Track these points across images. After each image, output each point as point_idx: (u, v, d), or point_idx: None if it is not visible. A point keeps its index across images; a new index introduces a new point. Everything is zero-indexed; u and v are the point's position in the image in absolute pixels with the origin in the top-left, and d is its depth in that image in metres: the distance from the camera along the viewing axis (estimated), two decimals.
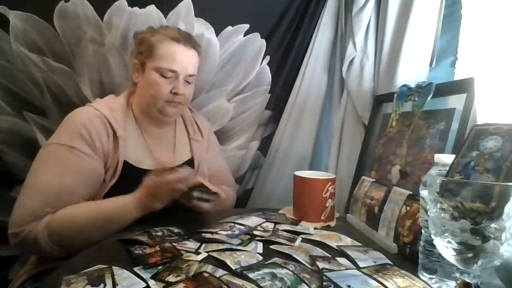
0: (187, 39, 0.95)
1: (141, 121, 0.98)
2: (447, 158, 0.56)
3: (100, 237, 0.79)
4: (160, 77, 0.92)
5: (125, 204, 0.82)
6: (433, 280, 0.60)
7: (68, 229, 0.78)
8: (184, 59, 0.93)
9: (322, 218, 0.93)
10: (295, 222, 0.92)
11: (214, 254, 0.67)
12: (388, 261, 0.68)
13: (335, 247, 0.75)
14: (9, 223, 0.78)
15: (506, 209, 0.41)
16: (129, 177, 0.88)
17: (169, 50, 0.92)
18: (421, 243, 0.62)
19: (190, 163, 1.04)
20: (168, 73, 0.92)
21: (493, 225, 0.42)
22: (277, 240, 0.77)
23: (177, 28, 0.99)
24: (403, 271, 0.62)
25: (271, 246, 0.73)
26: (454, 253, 0.46)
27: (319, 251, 0.72)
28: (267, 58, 1.39)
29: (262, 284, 0.55)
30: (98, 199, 0.86)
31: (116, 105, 0.94)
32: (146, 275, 0.59)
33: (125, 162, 0.89)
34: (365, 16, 1.19)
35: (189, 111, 1.14)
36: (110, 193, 0.86)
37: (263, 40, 1.37)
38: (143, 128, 0.98)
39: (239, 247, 0.72)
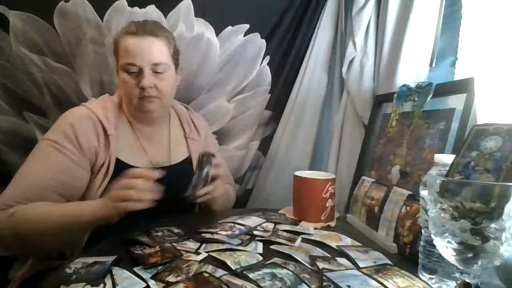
0: (142, 29, 0.89)
1: (131, 120, 0.97)
2: (447, 158, 0.56)
3: (60, 240, 0.78)
4: (126, 75, 0.89)
5: (85, 210, 0.78)
6: (433, 280, 0.60)
7: (32, 223, 0.75)
8: (141, 50, 0.88)
9: (322, 218, 0.93)
10: (295, 222, 0.92)
11: (214, 254, 0.67)
12: (388, 261, 0.68)
13: (335, 247, 0.75)
14: None
15: (506, 209, 0.41)
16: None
17: (125, 45, 0.89)
18: (421, 243, 0.62)
19: (187, 162, 1.03)
20: (130, 68, 0.88)
21: (493, 225, 0.42)
22: (277, 240, 0.77)
23: (138, 21, 0.94)
24: (403, 271, 0.62)
25: (271, 246, 0.73)
26: (454, 253, 0.46)
27: (319, 251, 0.72)
28: (267, 58, 1.39)
29: (262, 284, 0.55)
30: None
31: (109, 104, 0.94)
32: (146, 275, 0.59)
33: (120, 162, 0.90)
34: (365, 16, 1.19)
35: (185, 109, 1.13)
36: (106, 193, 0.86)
37: (263, 40, 1.37)
38: (135, 127, 0.97)
39: (239, 247, 0.72)
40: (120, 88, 0.94)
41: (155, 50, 0.90)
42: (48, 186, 0.81)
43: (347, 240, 0.80)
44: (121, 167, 0.89)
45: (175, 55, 0.97)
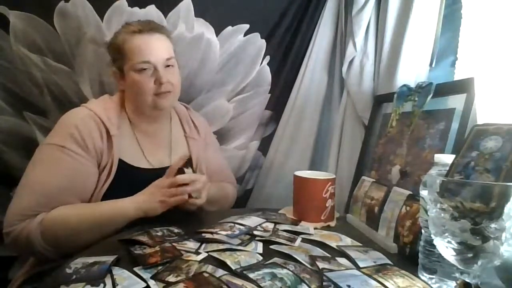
0: (147, 27, 0.91)
1: (134, 121, 0.97)
2: (447, 158, 0.56)
3: (93, 239, 0.79)
4: (139, 74, 0.89)
5: (124, 207, 0.83)
6: (433, 280, 0.60)
7: (61, 229, 0.78)
8: (152, 47, 0.90)
9: (322, 218, 0.93)
10: (295, 222, 0.92)
11: (214, 254, 0.67)
12: (388, 261, 0.68)
13: (335, 247, 0.75)
14: (3, 223, 0.79)
15: (506, 209, 0.41)
16: (126, 177, 0.89)
17: (134, 44, 0.89)
18: (421, 243, 0.62)
19: (188, 162, 1.03)
20: (143, 66, 0.89)
21: (493, 225, 0.42)
22: (277, 240, 0.77)
23: (136, 20, 0.95)
24: (403, 271, 0.62)
25: (271, 246, 0.73)
26: (454, 253, 0.46)
27: (319, 251, 0.72)
28: (267, 58, 1.39)
29: (262, 284, 0.55)
30: (96, 201, 0.86)
31: (110, 105, 0.94)
32: (146, 275, 0.59)
33: (121, 162, 0.90)
34: (365, 16, 1.19)
35: (185, 109, 1.13)
36: (108, 193, 0.86)
37: (263, 40, 1.36)
38: (136, 128, 0.97)
39: (239, 247, 0.72)
40: (129, 89, 0.93)
41: (164, 45, 0.92)
42: (65, 192, 0.82)
43: (347, 240, 0.80)
44: (123, 168, 0.89)
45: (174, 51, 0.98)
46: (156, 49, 0.90)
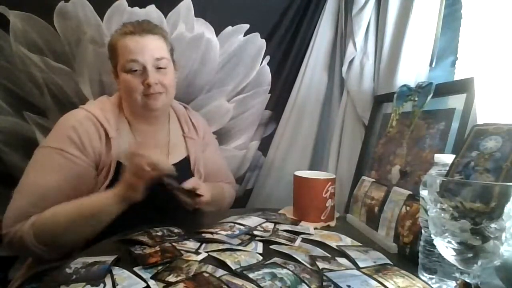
0: (140, 27, 0.91)
1: (132, 121, 0.97)
2: (447, 158, 0.56)
3: (84, 235, 0.80)
4: (128, 74, 0.89)
5: (105, 198, 0.82)
6: (433, 280, 0.60)
7: (51, 227, 0.78)
8: (142, 47, 0.89)
9: (322, 218, 0.93)
10: (295, 222, 0.92)
11: (214, 254, 0.68)
12: (388, 261, 0.68)
13: (335, 247, 0.75)
14: (2, 225, 0.79)
15: (506, 209, 0.41)
16: None
17: (124, 45, 0.89)
18: (421, 243, 0.62)
19: (186, 161, 1.03)
20: (132, 66, 0.88)
21: (493, 225, 0.42)
22: (277, 240, 0.77)
23: (134, 21, 0.95)
24: (403, 271, 0.63)
25: (271, 246, 0.74)
26: (454, 253, 0.46)
27: (319, 251, 0.72)
28: (267, 58, 1.39)
29: (262, 284, 0.55)
30: None
31: (108, 106, 0.94)
32: (146, 275, 0.59)
33: (119, 163, 0.89)
34: (365, 16, 1.19)
35: (183, 109, 1.13)
36: None
37: (263, 40, 1.36)
38: (135, 128, 0.97)
39: (239, 247, 0.72)
40: (122, 89, 0.93)
41: (155, 46, 0.91)
42: (62, 194, 0.81)
43: (347, 240, 0.80)
44: (120, 169, 0.89)
45: (171, 52, 0.98)
46: (145, 49, 0.89)
